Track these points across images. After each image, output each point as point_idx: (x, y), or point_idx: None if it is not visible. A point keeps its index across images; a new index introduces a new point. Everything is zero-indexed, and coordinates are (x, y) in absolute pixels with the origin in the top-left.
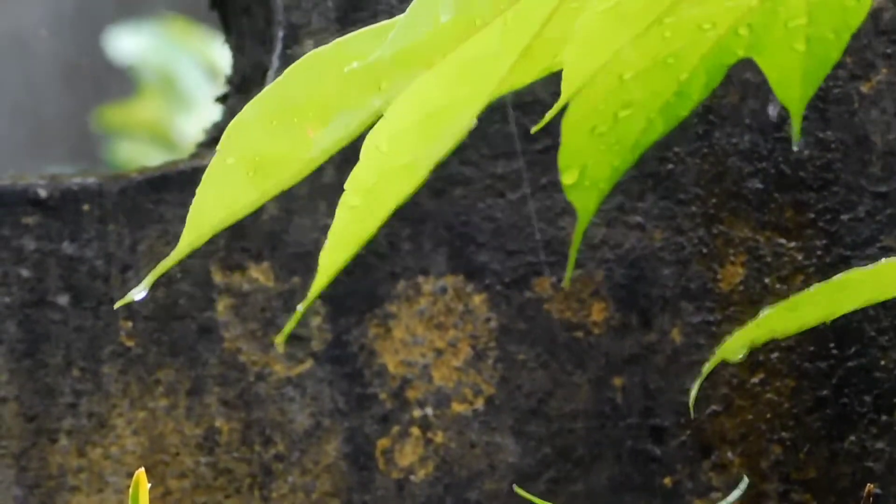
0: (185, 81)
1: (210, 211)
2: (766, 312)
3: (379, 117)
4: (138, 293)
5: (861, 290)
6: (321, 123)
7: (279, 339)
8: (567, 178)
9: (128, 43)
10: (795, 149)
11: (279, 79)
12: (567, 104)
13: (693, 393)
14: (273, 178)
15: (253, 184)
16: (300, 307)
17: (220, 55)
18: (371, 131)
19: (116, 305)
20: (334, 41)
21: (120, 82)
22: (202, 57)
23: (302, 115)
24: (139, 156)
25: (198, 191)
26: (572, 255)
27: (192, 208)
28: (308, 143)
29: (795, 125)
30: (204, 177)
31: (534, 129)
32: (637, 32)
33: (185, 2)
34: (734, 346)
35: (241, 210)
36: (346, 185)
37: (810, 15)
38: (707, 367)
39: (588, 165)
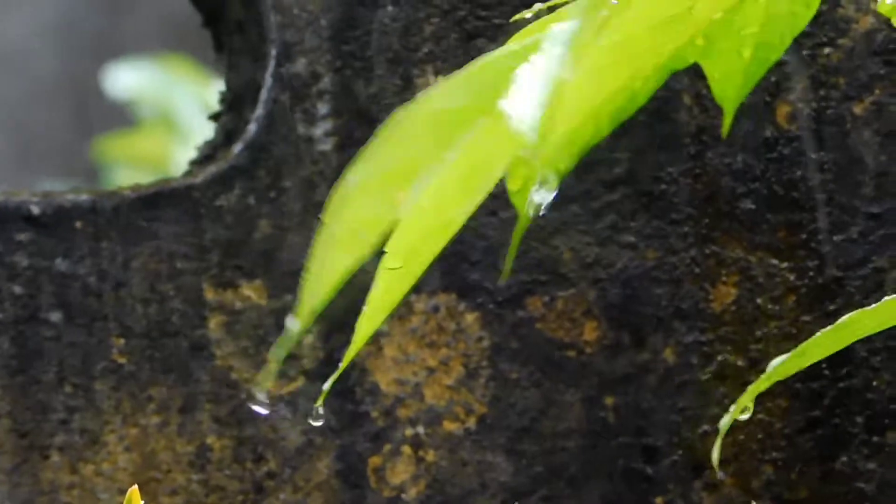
0: (183, 116)
1: (322, 280)
2: (775, 363)
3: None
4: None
5: (864, 328)
6: (407, 185)
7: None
8: (512, 184)
9: (126, 78)
10: (724, 138)
11: (373, 140)
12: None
13: (715, 455)
14: (366, 243)
15: (349, 250)
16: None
17: (215, 92)
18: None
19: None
20: (422, 97)
21: (117, 117)
22: (198, 93)
23: (394, 178)
24: None
25: (310, 262)
26: (510, 256)
27: (306, 282)
28: (396, 205)
29: (726, 122)
30: (313, 251)
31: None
32: (640, 70)
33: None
34: (748, 398)
35: (338, 281)
36: (387, 248)
37: (764, 23)
38: (725, 423)
39: (531, 169)
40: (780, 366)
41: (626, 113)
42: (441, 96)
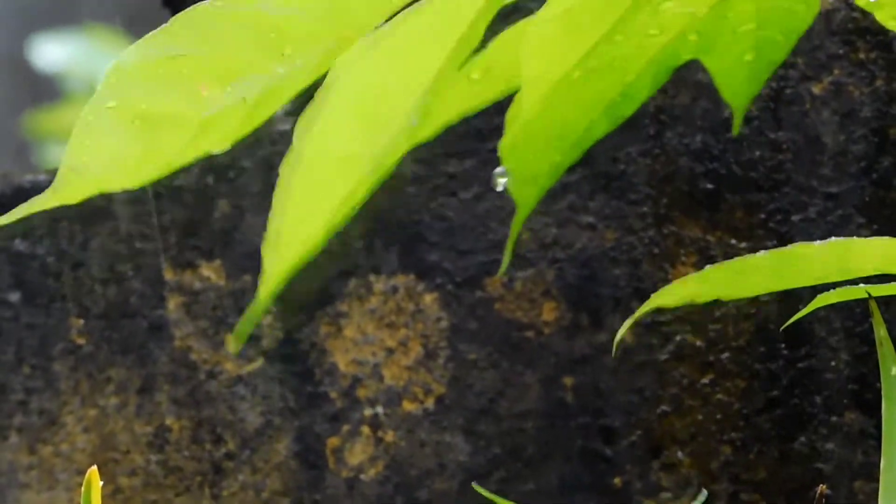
0: None
1: (88, 156)
2: (711, 268)
3: (292, 90)
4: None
5: (810, 267)
6: (216, 82)
7: (232, 346)
8: (506, 141)
9: (54, 50)
10: (735, 134)
11: (165, 26)
12: (512, 99)
13: (623, 329)
14: (162, 131)
15: (139, 135)
16: (249, 311)
17: None
18: (302, 114)
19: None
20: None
21: (45, 88)
22: None
23: (193, 69)
24: None
25: (73, 132)
26: (508, 248)
27: (67, 150)
28: (201, 100)
29: (737, 121)
30: (80, 118)
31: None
32: (590, 46)
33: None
34: (671, 294)
35: (127, 165)
36: (280, 170)
37: (759, 20)
38: (640, 311)
39: (529, 160)
40: (717, 277)
41: (623, 110)
42: (261, 1)
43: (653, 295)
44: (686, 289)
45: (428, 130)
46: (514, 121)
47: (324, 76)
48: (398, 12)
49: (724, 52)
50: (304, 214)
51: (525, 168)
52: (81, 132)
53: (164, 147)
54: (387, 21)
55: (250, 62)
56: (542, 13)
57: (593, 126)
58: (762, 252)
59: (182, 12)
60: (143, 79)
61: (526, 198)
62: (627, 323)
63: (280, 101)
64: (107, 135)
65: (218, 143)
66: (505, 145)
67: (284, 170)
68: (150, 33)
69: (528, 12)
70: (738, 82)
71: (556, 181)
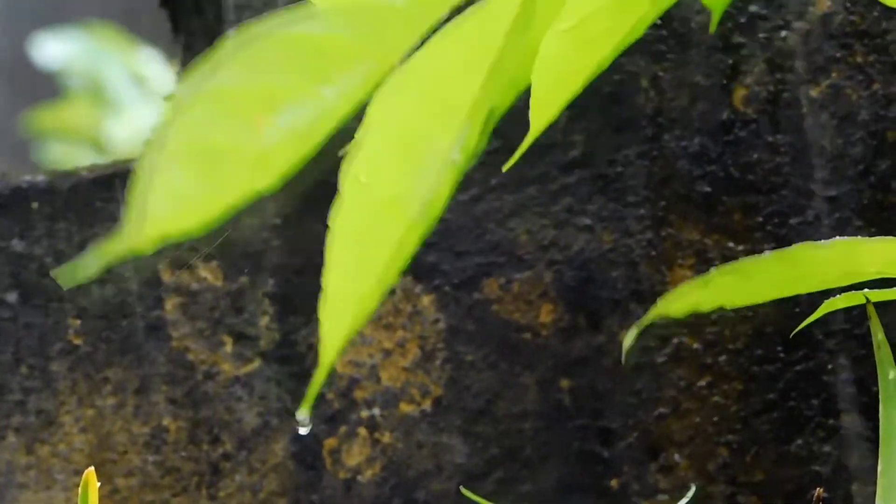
0: (113, 87)
1: (154, 199)
2: (716, 272)
3: (336, 115)
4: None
5: (814, 270)
6: (269, 110)
7: (302, 415)
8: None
9: (54, 48)
10: (711, 32)
11: (213, 53)
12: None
13: (629, 339)
14: (225, 168)
15: (202, 173)
16: (314, 379)
17: (146, 62)
18: (345, 158)
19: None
20: (271, 19)
21: (46, 86)
22: (129, 63)
23: (246, 99)
24: (70, 158)
25: (136, 177)
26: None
27: (133, 195)
28: (257, 132)
29: (714, 21)
30: (141, 163)
31: (506, 167)
32: (601, 58)
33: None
34: (675, 302)
35: (193, 206)
36: (329, 222)
37: None
38: (644, 320)
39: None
40: (723, 282)
41: (636, 35)
42: (303, 21)
43: (657, 302)
44: (691, 296)
45: None
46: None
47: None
48: (435, 29)
49: None
50: (358, 268)
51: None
52: (145, 176)
53: (225, 184)
54: (421, 44)
55: (298, 87)
56: (553, 30)
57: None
58: (766, 253)
59: (228, 37)
60: (199, 112)
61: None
62: (633, 331)
63: (327, 127)
64: (172, 178)
65: (271, 179)
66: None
67: (337, 220)
68: (199, 62)
69: None
70: None
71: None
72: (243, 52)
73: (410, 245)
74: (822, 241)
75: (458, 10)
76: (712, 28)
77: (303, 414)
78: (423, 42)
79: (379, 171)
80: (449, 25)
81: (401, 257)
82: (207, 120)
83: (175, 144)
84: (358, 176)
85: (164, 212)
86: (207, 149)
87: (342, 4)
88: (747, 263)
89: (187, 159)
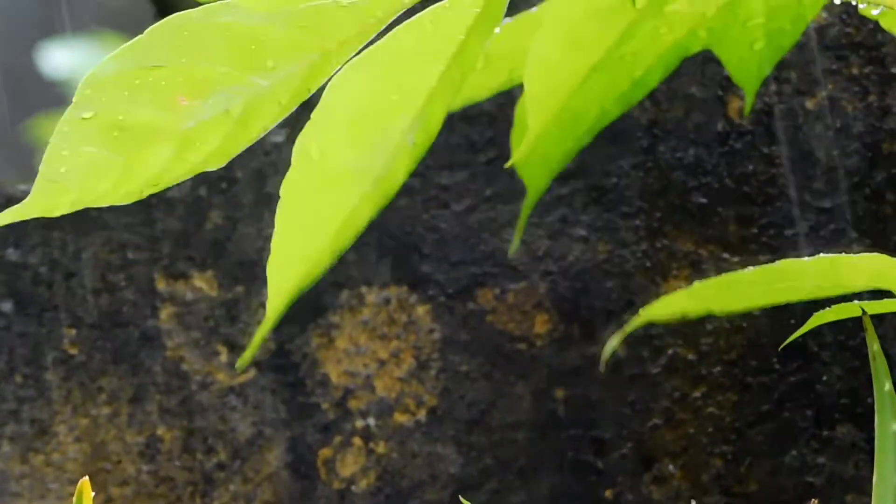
0: None
1: (66, 167)
2: (700, 284)
3: (278, 104)
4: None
5: (801, 282)
6: (195, 94)
7: (241, 363)
8: (518, 156)
9: (60, 57)
10: (746, 115)
11: (140, 36)
12: (523, 87)
13: (613, 342)
14: (142, 143)
15: (117, 146)
16: (258, 331)
17: None
18: (300, 135)
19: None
20: (205, 6)
21: (51, 96)
22: None
23: (170, 81)
24: None
25: (50, 143)
26: (519, 229)
27: (44, 161)
28: (179, 111)
29: (749, 101)
30: (56, 129)
31: (507, 165)
32: (594, 61)
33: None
34: (661, 308)
35: (110, 178)
36: (280, 191)
37: (768, 14)
38: (630, 325)
39: (540, 145)
40: (708, 291)
41: (633, 98)
42: (238, 12)
43: (642, 309)
44: (676, 304)
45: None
46: (525, 109)
47: (316, 90)
48: (385, 26)
49: (735, 42)
50: (309, 233)
51: (537, 153)
52: (58, 143)
53: (147, 160)
54: (376, 37)
55: (230, 74)
56: (543, 30)
57: (604, 114)
58: (750, 268)
59: (158, 23)
60: (119, 89)
61: (537, 181)
62: (616, 338)
63: (268, 115)
64: (84, 145)
65: (211, 159)
66: (517, 132)
67: (285, 188)
68: (125, 44)
69: (530, 4)
70: (748, 68)
71: (566, 166)
72: (173, 37)
73: (363, 216)
74: (806, 257)
75: (409, 12)
76: (747, 110)
77: (242, 363)
78: (378, 36)
79: (330, 147)
80: (412, 19)
81: (353, 226)
82: (127, 96)
83: (91, 116)
84: (309, 150)
85: (79, 180)
86: (124, 123)
87: (282, 3)
88: (731, 276)
89: (105, 132)
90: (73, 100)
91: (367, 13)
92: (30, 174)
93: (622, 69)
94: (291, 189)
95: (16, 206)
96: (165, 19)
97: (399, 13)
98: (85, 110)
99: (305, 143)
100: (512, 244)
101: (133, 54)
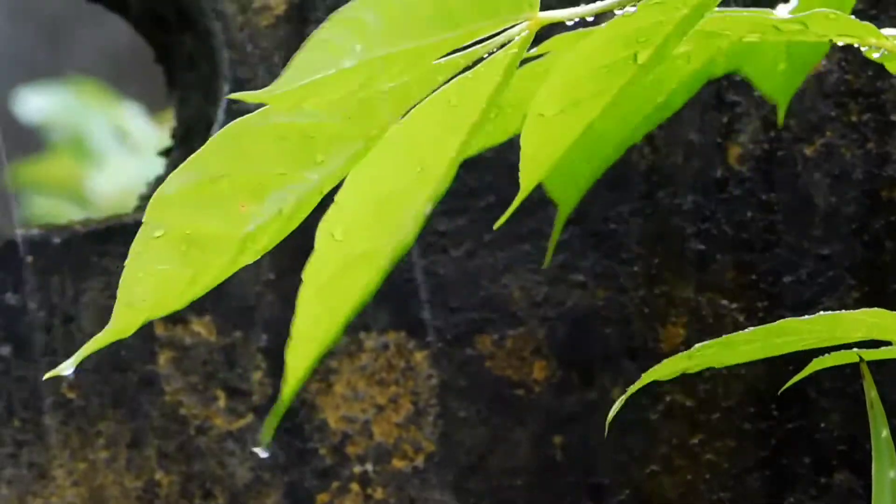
0: (96, 141)
1: (142, 288)
2: (700, 346)
3: (320, 193)
4: (67, 369)
5: (798, 337)
6: (254, 198)
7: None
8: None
9: (37, 103)
10: (780, 125)
11: (203, 148)
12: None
13: (616, 407)
14: (209, 254)
15: (186, 260)
16: (275, 408)
17: (128, 116)
18: (323, 218)
19: (46, 377)
20: (262, 109)
21: (28, 141)
22: (111, 118)
23: (232, 188)
24: (53, 212)
25: (126, 266)
26: (551, 245)
27: (121, 285)
28: (241, 218)
29: (781, 115)
30: (131, 252)
31: (497, 225)
32: (591, 119)
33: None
34: (664, 370)
35: (177, 290)
36: (303, 275)
37: (788, 49)
38: (632, 389)
39: (568, 165)
40: (707, 354)
41: (659, 119)
42: (290, 112)
43: (644, 375)
44: (676, 366)
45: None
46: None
47: None
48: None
49: (757, 65)
50: (331, 313)
51: (566, 173)
52: (133, 265)
53: (210, 267)
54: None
55: (284, 173)
56: (542, 90)
57: (630, 135)
58: (749, 329)
59: (219, 132)
60: (185, 204)
61: (567, 199)
62: (620, 400)
63: (312, 205)
64: (157, 263)
65: (254, 257)
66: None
67: (308, 272)
68: (190, 157)
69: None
70: (775, 86)
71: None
72: (234, 145)
73: (376, 287)
74: (805, 316)
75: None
76: (780, 120)
77: (264, 442)
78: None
79: (354, 228)
80: (437, 93)
81: (365, 300)
82: (194, 210)
83: (162, 234)
84: (333, 233)
85: (148, 299)
86: (193, 237)
87: (330, 97)
88: (730, 338)
89: (173, 248)
90: (144, 220)
91: (406, 96)
92: (9, 219)
93: (644, 95)
94: (315, 273)
95: (97, 336)
96: (225, 128)
97: (434, 90)
98: (156, 229)
99: (330, 226)
100: (545, 259)
101: (196, 167)
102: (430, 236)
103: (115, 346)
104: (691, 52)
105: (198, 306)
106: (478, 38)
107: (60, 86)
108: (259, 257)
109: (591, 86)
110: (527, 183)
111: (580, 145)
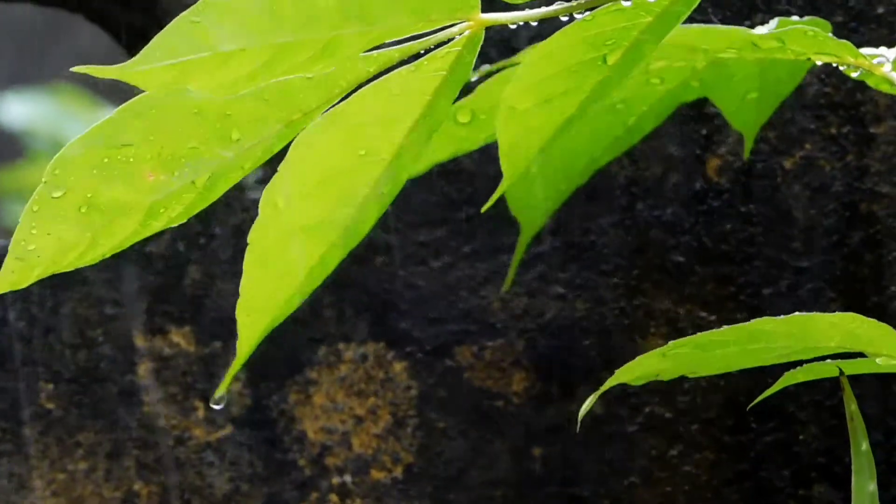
0: None
1: (36, 244)
2: (673, 344)
3: (242, 170)
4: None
5: (773, 342)
6: (164, 168)
7: (217, 395)
8: (488, 205)
9: (17, 109)
10: (746, 158)
11: (109, 117)
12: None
13: (589, 402)
14: (111, 218)
15: (86, 223)
16: (230, 369)
17: None
18: (267, 187)
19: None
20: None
21: (8, 148)
22: (91, 124)
23: (139, 158)
24: None
25: (20, 220)
26: (513, 267)
27: (14, 239)
28: (150, 186)
29: (748, 145)
30: (27, 208)
31: (484, 208)
32: (571, 114)
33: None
34: (634, 370)
35: (77, 251)
36: (248, 238)
37: (762, 69)
38: (604, 386)
39: (534, 185)
40: (681, 353)
41: (627, 144)
42: (205, 92)
43: (616, 371)
44: (650, 364)
45: (420, 167)
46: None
47: (283, 150)
48: (346, 95)
49: (729, 92)
50: (277, 280)
51: (531, 194)
52: (28, 222)
53: (114, 232)
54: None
55: (196, 148)
56: (513, 84)
57: (598, 157)
58: (724, 328)
59: (126, 103)
60: (88, 169)
61: (531, 221)
62: (591, 398)
63: (231, 180)
64: (55, 223)
65: (173, 221)
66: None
67: (253, 236)
68: (94, 124)
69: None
70: (745, 116)
71: (561, 204)
72: (142, 116)
73: (331, 263)
74: (780, 316)
75: (368, 80)
76: (746, 153)
77: (219, 393)
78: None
79: (295, 200)
80: (376, 82)
81: (321, 272)
82: (96, 175)
83: (61, 195)
84: (276, 202)
85: (43, 256)
86: (94, 201)
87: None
88: (704, 337)
89: (73, 209)
90: (43, 179)
91: (331, 84)
92: None
93: (614, 115)
94: (259, 237)
95: None
96: (133, 99)
97: (362, 81)
98: (55, 189)
99: (272, 195)
100: (505, 282)
101: (102, 134)
102: (410, 247)
103: (95, 357)
104: (665, 69)
105: (177, 317)
106: (407, 36)
107: (41, 92)
108: (177, 224)
109: (561, 84)
110: (508, 174)
111: (548, 160)
